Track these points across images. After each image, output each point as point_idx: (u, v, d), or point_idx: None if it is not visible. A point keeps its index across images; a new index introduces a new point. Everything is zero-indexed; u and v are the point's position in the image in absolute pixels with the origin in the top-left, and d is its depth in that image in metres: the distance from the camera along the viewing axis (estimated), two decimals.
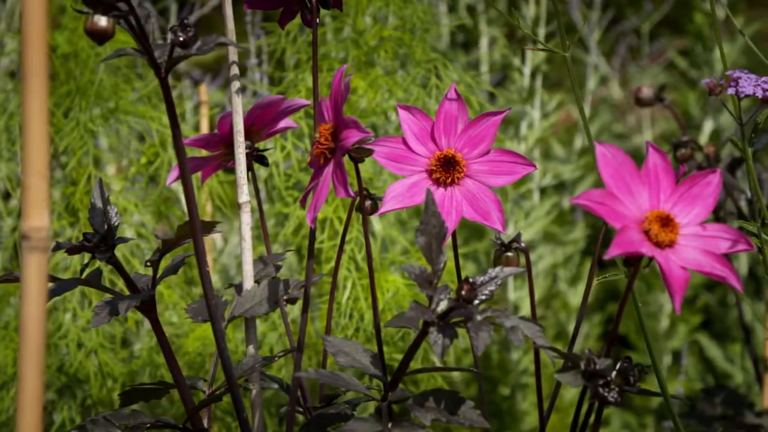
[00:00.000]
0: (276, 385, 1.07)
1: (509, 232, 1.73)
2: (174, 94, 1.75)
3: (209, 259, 1.45)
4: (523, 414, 1.80)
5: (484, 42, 1.92)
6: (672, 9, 2.42)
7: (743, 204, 1.33)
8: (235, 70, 1.01)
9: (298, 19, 1.41)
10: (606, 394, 0.86)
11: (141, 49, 0.85)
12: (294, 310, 1.40)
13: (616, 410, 2.00)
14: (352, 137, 0.90)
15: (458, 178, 0.99)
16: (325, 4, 0.98)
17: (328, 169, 0.92)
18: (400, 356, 1.42)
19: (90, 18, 0.81)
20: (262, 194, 1.51)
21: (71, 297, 1.29)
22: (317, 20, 0.98)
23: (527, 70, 1.68)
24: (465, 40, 2.15)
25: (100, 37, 0.81)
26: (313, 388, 1.33)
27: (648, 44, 2.38)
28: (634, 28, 2.42)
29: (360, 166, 0.98)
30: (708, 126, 2.05)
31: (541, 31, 1.72)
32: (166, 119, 1.38)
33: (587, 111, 2.03)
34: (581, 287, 2.08)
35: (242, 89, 1.01)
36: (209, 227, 0.95)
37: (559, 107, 1.67)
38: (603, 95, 2.71)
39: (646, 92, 1.43)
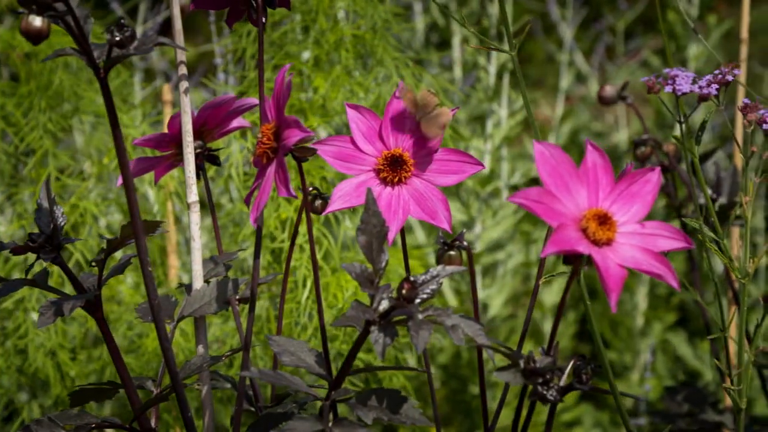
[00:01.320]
0: (229, 385, 1.07)
1: (477, 231, 1.73)
2: (148, 93, 1.75)
3: (173, 258, 1.45)
4: (493, 412, 1.80)
5: (456, 41, 1.92)
6: (647, 7, 2.42)
7: (703, 201, 1.33)
8: (182, 70, 1.01)
9: None
10: (545, 392, 0.86)
11: (80, 49, 0.85)
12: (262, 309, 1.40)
13: (589, 409, 2.00)
14: (293, 137, 0.90)
15: (406, 178, 0.99)
16: (271, 3, 0.98)
17: (271, 169, 0.92)
18: (362, 355, 1.42)
19: (25, 18, 0.81)
20: (235, 194, 1.51)
21: (30, 297, 1.29)
22: (263, 20, 0.98)
23: (492, 69, 1.68)
24: (440, 40, 2.15)
25: (35, 37, 0.81)
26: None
27: (624, 43, 2.38)
28: (610, 26, 2.42)
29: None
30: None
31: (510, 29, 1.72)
32: (127, 119, 1.38)
33: (560, 109, 2.03)
34: (555, 286, 2.08)
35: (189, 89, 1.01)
36: (152, 227, 0.95)
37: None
38: (582, 94, 2.71)
39: (609, 91, 1.43)
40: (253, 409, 1.06)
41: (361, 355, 1.43)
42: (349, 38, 1.39)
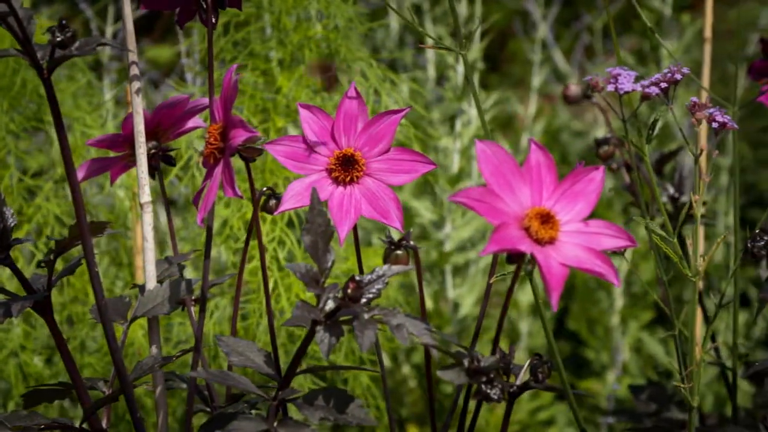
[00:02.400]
0: (185, 385, 1.07)
1: (447, 231, 1.73)
2: (116, 94, 1.74)
3: (139, 259, 1.45)
4: (467, 412, 1.80)
5: (429, 41, 1.92)
6: (623, 7, 2.42)
7: (665, 200, 1.34)
8: (134, 70, 1.01)
9: (222, 19, 1.41)
10: (489, 391, 0.86)
11: (23, 50, 0.85)
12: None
13: (564, 408, 2.00)
14: (238, 137, 0.90)
15: (357, 177, 0.99)
16: (221, 4, 0.98)
17: (218, 169, 0.92)
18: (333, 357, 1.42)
19: None
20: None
21: None
22: (213, 20, 0.98)
23: (461, 69, 1.68)
24: (415, 39, 2.15)
25: None
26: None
27: (602, 41, 2.38)
28: (588, 25, 2.42)
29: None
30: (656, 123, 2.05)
31: (476, 29, 1.72)
32: (90, 120, 1.38)
33: (533, 108, 2.03)
34: (529, 285, 2.08)
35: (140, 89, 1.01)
36: (99, 229, 0.95)
37: (496, 105, 1.67)
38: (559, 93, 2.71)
39: (574, 90, 1.43)
40: (208, 409, 1.06)
41: (332, 357, 1.43)
42: (312, 38, 1.39)
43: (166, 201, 1.07)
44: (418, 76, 1.90)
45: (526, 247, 0.82)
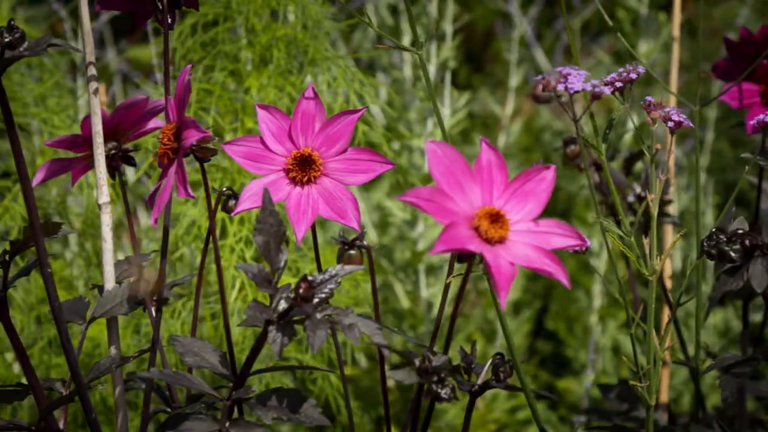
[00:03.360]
0: (144, 385, 1.07)
1: (420, 230, 1.73)
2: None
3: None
4: (441, 411, 1.80)
5: (406, 41, 1.92)
6: (601, 4, 2.42)
7: (632, 199, 1.34)
8: (92, 71, 1.01)
9: (191, 19, 1.41)
10: (439, 390, 0.86)
11: None
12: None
13: (541, 407, 2.01)
14: (190, 137, 0.90)
15: (315, 177, 1.00)
16: (177, 4, 0.98)
17: (172, 170, 0.92)
18: (298, 356, 1.42)
19: None
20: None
21: None
22: (169, 20, 0.98)
23: (432, 68, 1.68)
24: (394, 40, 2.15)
25: None
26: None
27: (580, 40, 2.38)
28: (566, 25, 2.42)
29: None
30: (631, 122, 2.06)
31: (449, 29, 1.72)
32: (58, 120, 1.38)
33: (510, 108, 2.03)
34: None
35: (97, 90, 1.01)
36: (53, 229, 0.94)
37: (468, 104, 1.67)
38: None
39: (541, 90, 1.43)
40: (169, 410, 1.06)
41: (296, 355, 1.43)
42: (281, 38, 1.39)
43: (126, 199, 1.07)
44: (397, 76, 1.90)
45: (475, 246, 0.82)
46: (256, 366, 0.94)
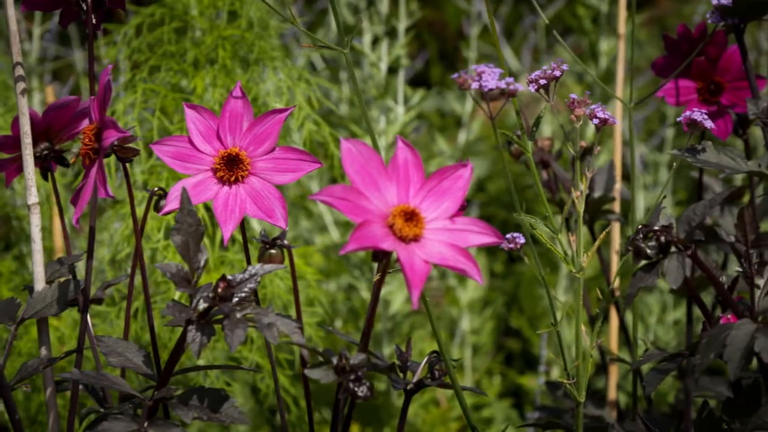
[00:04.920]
0: (81, 386, 1.07)
1: None
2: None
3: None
4: (397, 410, 1.80)
5: (366, 40, 1.92)
6: (564, 5, 2.42)
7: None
8: (19, 71, 1.01)
9: (134, 20, 1.41)
10: (356, 389, 0.86)
11: None
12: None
13: (503, 406, 2.01)
14: (109, 137, 0.90)
15: (243, 177, 1.00)
16: (100, 4, 0.98)
17: (93, 170, 0.92)
18: (249, 355, 1.42)
19: None
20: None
21: None
22: (93, 20, 0.97)
23: (384, 66, 1.68)
24: (357, 39, 2.15)
25: None
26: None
27: (545, 39, 2.39)
28: (532, 24, 2.42)
29: None
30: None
31: (401, 26, 1.72)
32: (2, 121, 1.37)
33: (469, 106, 2.03)
34: (471, 282, 2.08)
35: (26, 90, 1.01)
36: None
37: (422, 101, 1.66)
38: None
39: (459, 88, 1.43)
40: (102, 410, 1.06)
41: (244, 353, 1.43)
42: (227, 38, 1.39)
43: (58, 198, 1.06)
44: (357, 74, 1.90)
45: (388, 245, 0.82)
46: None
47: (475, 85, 0.86)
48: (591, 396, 1.42)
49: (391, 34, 1.85)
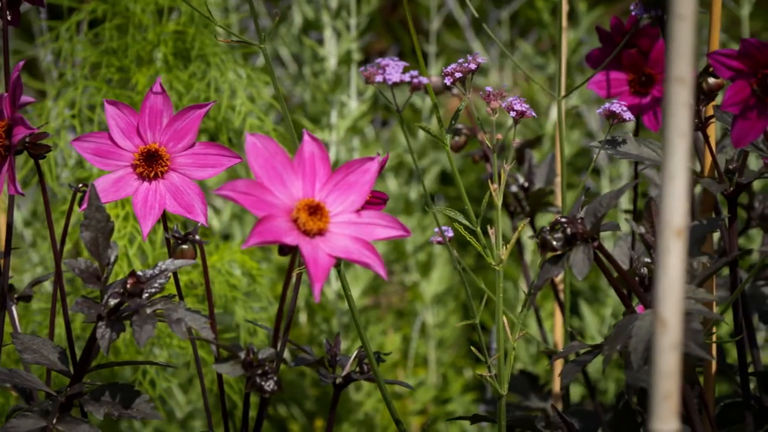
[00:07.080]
0: (8, 384, 1.07)
1: None
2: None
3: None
4: (356, 404, 1.80)
5: (328, 34, 1.92)
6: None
7: (516, 189, 1.34)
8: None
9: (76, 17, 1.41)
10: (263, 383, 0.86)
11: None
12: None
13: (461, 399, 2.01)
14: (18, 134, 0.90)
15: (162, 172, 1.00)
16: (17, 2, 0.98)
17: (4, 167, 0.92)
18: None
19: None
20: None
21: None
22: (8, 17, 0.97)
23: (333, 60, 1.68)
24: (320, 35, 2.15)
25: None
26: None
27: (509, 32, 2.39)
28: (498, 20, 2.42)
29: None
30: (554, 113, 2.06)
31: (352, 22, 1.72)
32: None
33: (429, 100, 2.03)
34: (435, 275, 2.08)
35: None
36: None
37: (375, 96, 1.66)
38: (483, 85, 2.71)
39: (435, 81, 1.43)
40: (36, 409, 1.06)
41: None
42: (169, 33, 1.38)
43: None
44: (317, 69, 1.90)
45: (291, 239, 0.82)
46: None
47: (379, 78, 0.85)
48: (537, 389, 1.42)
49: (360, 28, 1.85)
